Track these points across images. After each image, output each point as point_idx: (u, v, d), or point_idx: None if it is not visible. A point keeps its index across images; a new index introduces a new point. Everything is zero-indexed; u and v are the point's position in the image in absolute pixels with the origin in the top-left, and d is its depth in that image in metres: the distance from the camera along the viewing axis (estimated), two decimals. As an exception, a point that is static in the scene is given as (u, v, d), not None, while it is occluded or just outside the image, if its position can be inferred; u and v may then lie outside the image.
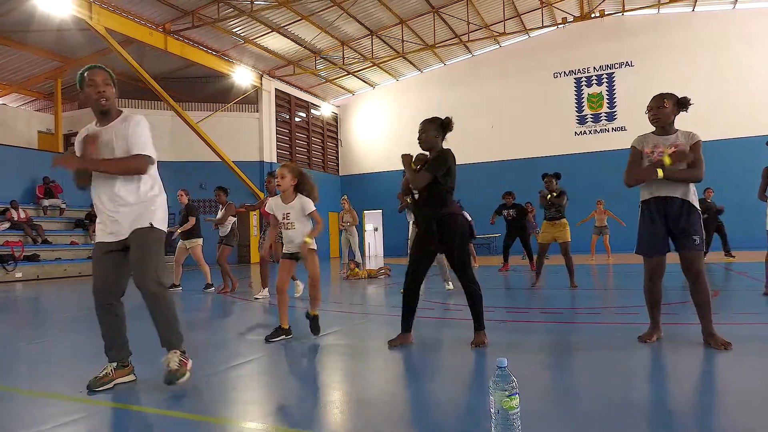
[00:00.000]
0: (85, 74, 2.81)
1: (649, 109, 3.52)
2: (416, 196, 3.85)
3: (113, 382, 2.83)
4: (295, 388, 2.93)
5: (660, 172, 3.35)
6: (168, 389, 2.72)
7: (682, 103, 3.46)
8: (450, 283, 7.03)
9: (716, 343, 3.27)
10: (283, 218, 4.16)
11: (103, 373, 2.82)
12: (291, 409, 2.54)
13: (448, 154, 3.64)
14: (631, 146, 3.60)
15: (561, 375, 3.01)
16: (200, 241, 8.33)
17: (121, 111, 2.92)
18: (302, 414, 2.46)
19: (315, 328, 4.20)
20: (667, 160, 3.35)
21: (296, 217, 4.12)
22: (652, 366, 3.15)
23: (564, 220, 7.23)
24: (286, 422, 2.33)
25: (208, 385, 2.88)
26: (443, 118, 3.71)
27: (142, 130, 2.83)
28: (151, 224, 2.85)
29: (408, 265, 3.79)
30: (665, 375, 3.02)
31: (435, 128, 3.67)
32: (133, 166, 2.79)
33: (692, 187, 3.46)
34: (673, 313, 4.60)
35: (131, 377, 2.94)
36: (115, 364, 2.87)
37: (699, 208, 3.46)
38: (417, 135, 3.72)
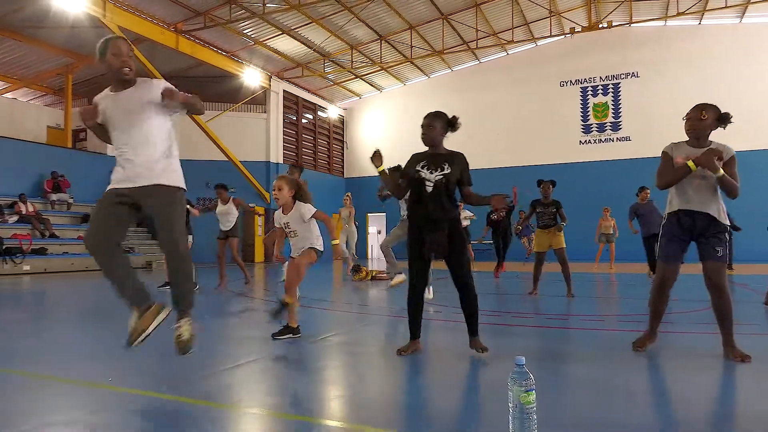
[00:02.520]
0: (109, 43, 2.91)
1: (688, 118, 3.42)
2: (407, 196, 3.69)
3: (146, 332, 2.77)
4: (303, 383, 3.06)
5: (692, 164, 3.24)
6: (194, 381, 2.85)
7: (723, 119, 3.36)
8: (431, 290, 6.43)
9: (735, 355, 3.30)
10: (285, 227, 4.25)
11: (132, 327, 2.81)
12: (299, 400, 2.66)
13: (466, 160, 3.61)
14: (663, 151, 3.52)
15: (558, 383, 3.12)
16: (189, 238, 8.35)
17: (137, 77, 2.99)
18: (310, 405, 2.59)
19: (277, 312, 4.10)
20: (691, 165, 3.26)
21: (296, 225, 4.20)
22: (650, 377, 3.26)
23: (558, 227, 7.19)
24: (295, 411, 2.46)
25: (222, 377, 3.02)
26: (450, 116, 3.61)
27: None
28: (178, 186, 2.96)
29: (410, 271, 3.63)
30: (663, 385, 3.14)
31: (442, 124, 3.58)
32: (199, 103, 3.03)
33: (723, 206, 3.40)
34: (671, 321, 4.71)
35: (163, 313, 2.87)
36: (137, 314, 2.84)
37: (729, 228, 3.41)
38: (421, 128, 3.58)
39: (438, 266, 3.84)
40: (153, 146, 2.92)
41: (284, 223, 4.23)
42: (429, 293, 6.32)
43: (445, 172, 3.49)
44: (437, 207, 3.48)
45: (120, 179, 2.92)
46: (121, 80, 2.96)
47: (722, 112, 3.37)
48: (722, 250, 3.36)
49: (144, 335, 2.79)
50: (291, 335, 4.14)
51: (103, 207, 2.91)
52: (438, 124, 3.56)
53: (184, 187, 3.02)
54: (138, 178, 2.88)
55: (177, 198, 2.95)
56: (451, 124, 3.59)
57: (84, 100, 19.18)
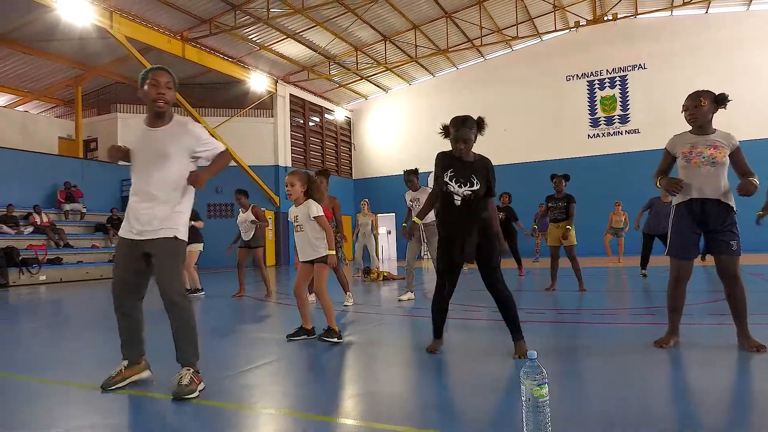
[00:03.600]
0: (149, 73, 2.86)
1: (685, 108, 3.43)
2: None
3: (126, 381, 2.89)
4: (318, 383, 3.09)
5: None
6: (211, 384, 2.89)
7: (720, 100, 3.36)
8: (412, 293, 6.86)
9: (750, 345, 3.29)
10: (294, 220, 4.24)
11: (116, 371, 2.91)
12: (315, 400, 2.70)
13: (492, 167, 3.51)
14: (665, 148, 3.56)
15: (577, 378, 3.13)
16: (200, 246, 8.38)
17: (173, 115, 2.97)
18: (326, 404, 2.62)
19: (324, 336, 4.08)
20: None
21: (303, 221, 4.17)
22: (664, 370, 3.25)
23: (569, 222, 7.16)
24: (311, 410, 2.49)
25: (239, 378, 3.05)
26: (476, 118, 3.45)
27: (208, 135, 3.00)
28: (176, 237, 2.89)
29: (440, 277, 3.59)
30: (679, 377, 3.13)
31: (475, 133, 3.43)
32: (227, 161, 3.08)
33: (728, 186, 3.37)
34: (684, 313, 4.68)
35: (145, 374, 2.99)
36: (126, 362, 2.94)
37: (735, 208, 3.38)
38: (455, 142, 3.39)
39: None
40: (169, 192, 2.87)
41: (294, 217, 4.22)
42: (405, 296, 6.81)
43: (474, 188, 3.39)
44: (465, 219, 3.44)
45: (128, 228, 2.91)
46: (155, 112, 2.90)
47: (717, 94, 3.37)
48: (736, 243, 3.35)
49: (120, 384, 2.87)
50: (305, 336, 4.23)
51: (120, 257, 2.95)
52: (472, 134, 3.39)
53: (184, 238, 2.95)
54: (144, 231, 2.85)
55: (178, 248, 2.91)
56: (480, 127, 3.45)
57: (94, 110, 19.43)
